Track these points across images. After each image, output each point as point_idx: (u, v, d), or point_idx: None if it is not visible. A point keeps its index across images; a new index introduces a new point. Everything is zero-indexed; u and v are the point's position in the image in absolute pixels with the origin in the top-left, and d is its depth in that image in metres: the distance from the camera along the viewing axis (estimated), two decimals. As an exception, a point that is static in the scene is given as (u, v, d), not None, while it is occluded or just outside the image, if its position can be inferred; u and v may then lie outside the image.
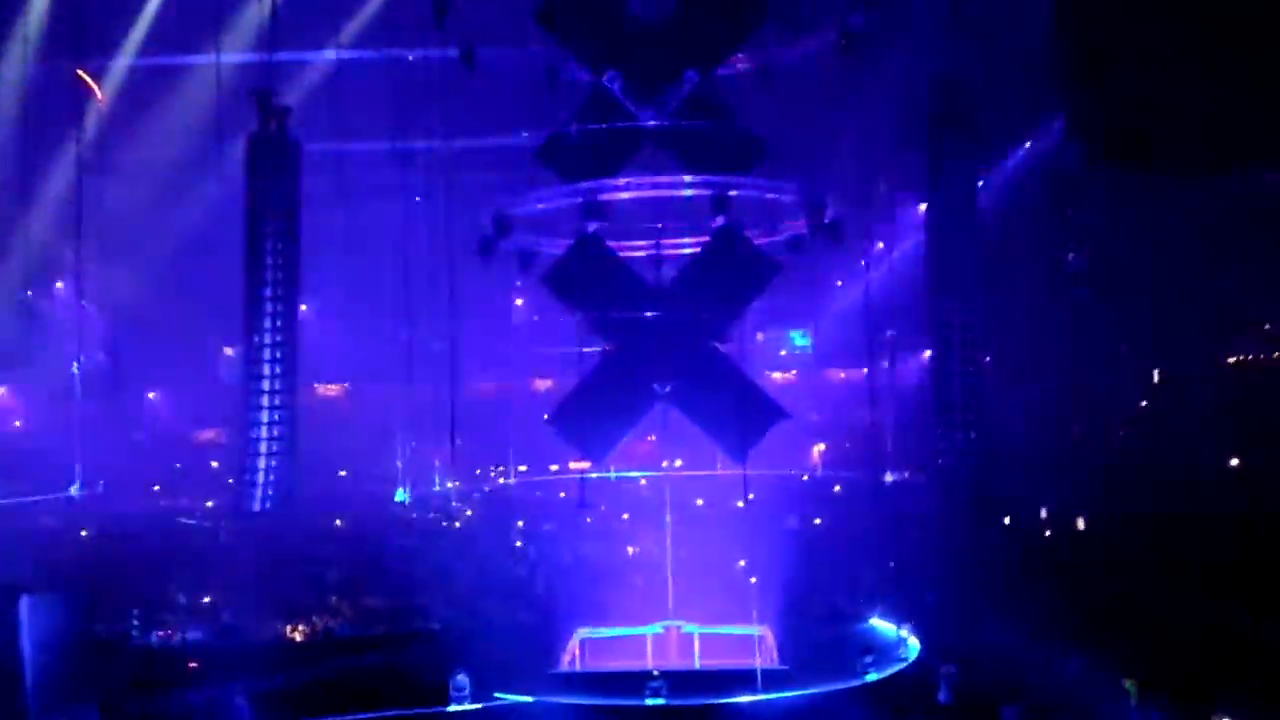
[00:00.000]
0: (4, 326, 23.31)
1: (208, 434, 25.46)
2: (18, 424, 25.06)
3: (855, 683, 16.48)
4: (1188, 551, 18.08)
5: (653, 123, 19.98)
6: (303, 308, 20.32)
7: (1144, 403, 20.65)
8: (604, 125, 20.03)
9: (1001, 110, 21.11)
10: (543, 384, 25.01)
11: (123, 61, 24.10)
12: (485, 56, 20.70)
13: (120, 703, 17.20)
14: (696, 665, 17.64)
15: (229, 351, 23.67)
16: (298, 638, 19.89)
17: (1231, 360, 20.65)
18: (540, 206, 20.22)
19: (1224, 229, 19.78)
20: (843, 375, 24.92)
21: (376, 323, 23.53)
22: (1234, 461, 19.97)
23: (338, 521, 24.03)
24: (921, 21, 20.97)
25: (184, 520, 22.82)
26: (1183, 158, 19.75)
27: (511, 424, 24.25)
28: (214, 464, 24.75)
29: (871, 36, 21.06)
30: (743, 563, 20.34)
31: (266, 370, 19.48)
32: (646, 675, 16.63)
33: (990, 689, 15.13)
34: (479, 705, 16.54)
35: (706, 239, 20.08)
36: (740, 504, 19.76)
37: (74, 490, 22.52)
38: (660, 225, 20.58)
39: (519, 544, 23.65)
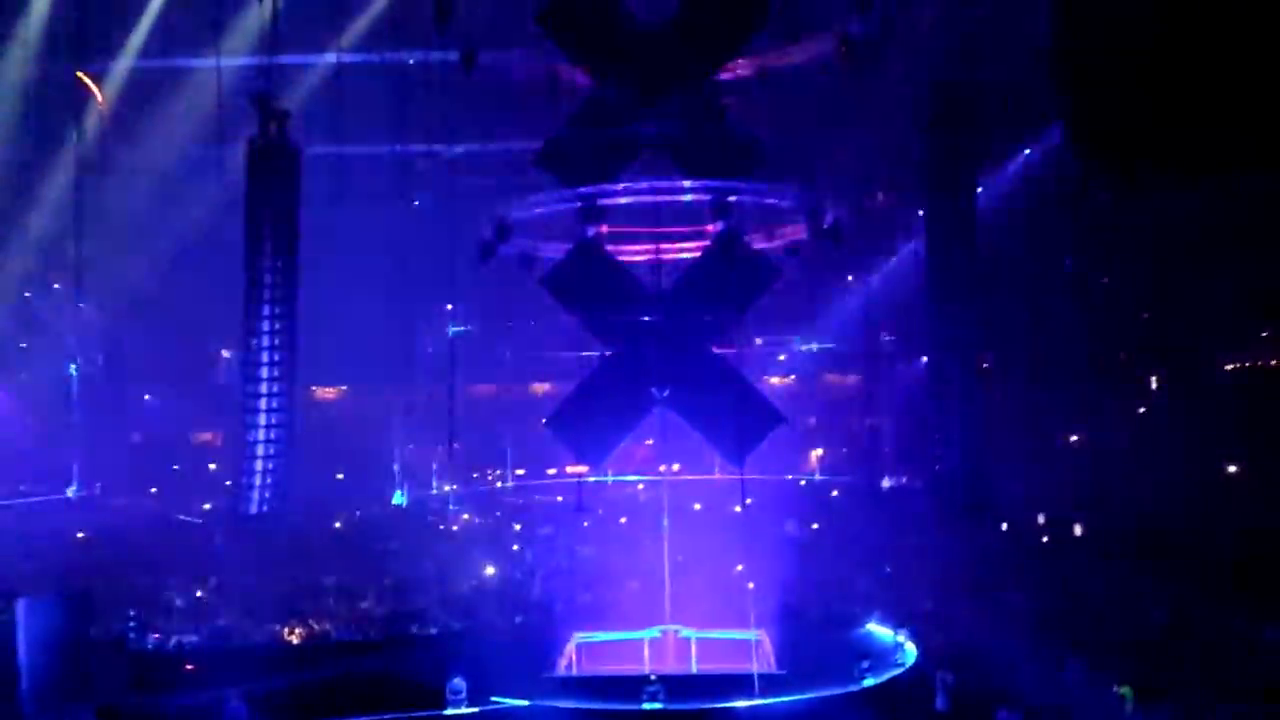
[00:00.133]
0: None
1: (205, 436, 25.43)
2: None
3: (852, 688, 16.42)
4: (1185, 557, 18.05)
5: (652, 128, 19.96)
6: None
7: (1142, 409, 20.64)
8: (604, 130, 20.02)
9: (1001, 115, 21.15)
10: (541, 387, 24.99)
11: (123, 64, 24.11)
12: (485, 61, 20.75)
13: (116, 705, 17.14)
14: (694, 670, 17.60)
15: (227, 354, 23.67)
16: (294, 641, 19.82)
17: (1230, 367, 20.65)
18: (540, 211, 20.22)
19: (1223, 234, 19.78)
20: (841, 380, 24.92)
21: (375, 326, 23.52)
22: (1232, 468, 19.97)
23: (336, 524, 24.01)
24: (921, 27, 21.01)
25: (183, 518, 22.74)
26: (1182, 162, 19.74)
27: (509, 427, 24.28)
28: (212, 466, 24.72)
29: (870, 42, 21.10)
30: (740, 567, 20.30)
31: (264, 373, 19.50)
32: (643, 680, 16.57)
33: (986, 695, 15.09)
34: (475, 709, 16.47)
35: (706, 244, 20.10)
36: (738, 509, 19.74)
37: (71, 491, 22.56)
38: (659, 230, 20.60)
39: (516, 548, 23.61)
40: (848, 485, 22.97)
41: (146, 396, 23.81)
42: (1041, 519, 21.02)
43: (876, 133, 21.45)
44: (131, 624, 19.65)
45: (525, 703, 16.48)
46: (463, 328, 24.01)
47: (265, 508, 19.35)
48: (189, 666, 18.39)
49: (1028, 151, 22.50)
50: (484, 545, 23.12)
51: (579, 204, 19.77)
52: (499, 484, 24.94)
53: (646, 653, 17.92)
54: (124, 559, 21.44)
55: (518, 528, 24.02)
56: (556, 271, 20.24)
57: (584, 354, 20.57)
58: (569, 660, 18.11)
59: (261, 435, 19.36)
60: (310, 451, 20.36)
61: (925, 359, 18.69)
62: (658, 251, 20.83)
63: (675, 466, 23.02)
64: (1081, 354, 21.36)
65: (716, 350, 20.22)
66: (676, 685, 16.57)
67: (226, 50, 22.57)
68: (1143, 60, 19.76)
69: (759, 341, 24.28)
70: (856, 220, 21.16)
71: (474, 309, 23.56)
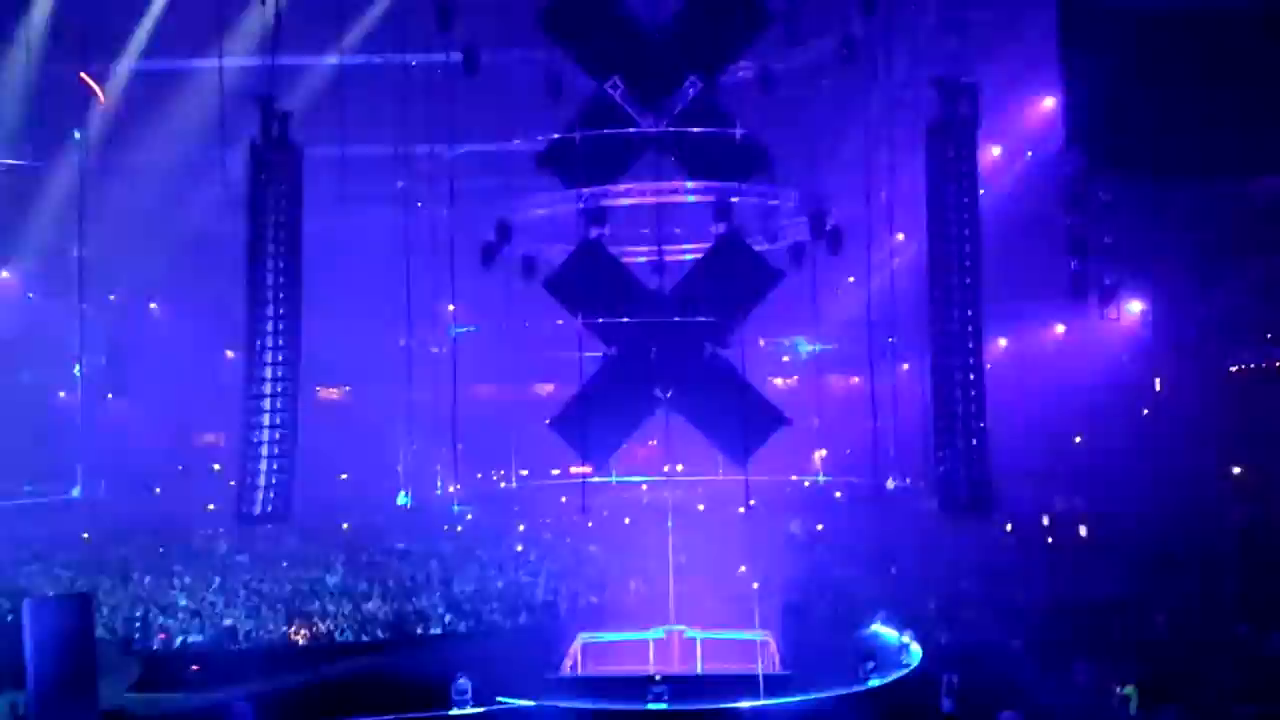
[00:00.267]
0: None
1: (209, 437, 25.44)
2: None
3: (857, 689, 16.46)
4: (1189, 558, 18.10)
5: (655, 129, 20.00)
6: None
7: (1146, 410, 20.68)
8: (607, 131, 20.04)
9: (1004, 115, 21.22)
10: (544, 388, 25.01)
11: (126, 65, 24.14)
12: (488, 62, 20.77)
13: (122, 706, 17.17)
14: (699, 670, 17.62)
15: (231, 354, 23.69)
16: (299, 642, 19.85)
17: (1234, 368, 20.70)
18: (542, 212, 20.24)
19: (1225, 236, 19.85)
20: (848, 381, 24.96)
21: (378, 326, 23.54)
22: (1236, 470, 20.01)
23: (341, 525, 24.03)
24: (922, 28, 21.07)
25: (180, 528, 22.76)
26: (1183, 163, 19.86)
27: (513, 428, 24.29)
28: (215, 466, 24.73)
29: (872, 44, 21.15)
30: (744, 568, 20.34)
31: (268, 373, 19.48)
32: (649, 680, 16.57)
33: (992, 695, 15.13)
34: (481, 709, 16.47)
35: (709, 245, 20.14)
36: (742, 509, 19.78)
37: (75, 492, 22.58)
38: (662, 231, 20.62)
39: (520, 548, 23.64)
40: (851, 486, 23.00)
41: (152, 396, 23.70)
42: (1046, 520, 21.05)
43: (878, 134, 21.48)
44: (137, 624, 19.68)
45: (531, 703, 16.48)
46: (466, 328, 24.04)
47: (269, 508, 19.36)
48: (194, 667, 18.41)
49: (1030, 153, 22.57)
50: (488, 546, 23.17)
51: (581, 205, 19.79)
52: (503, 484, 24.95)
53: (651, 653, 17.94)
54: (128, 559, 21.47)
55: (522, 528, 24.05)
56: (559, 273, 20.26)
57: (587, 354, 20.59)
58: (574, 660, 18.12)
59: (265, 436, 19.32)
60: (314, 452, 20.34)
61: (928, 359, 18.68)
62: (660, 253, 20.87)
63: (679, 467, 23.05)
64: (1084, 354, 21.42)
65: (719, 351, 20.24)
66: (682, 685, 16.57)
67: (228, 51, 22.61)
68: (1145, 62, 19.91)
69: (762, 342, 24.32)
70: (858, 221, 21.21)
71: (477, 309, 23.58)
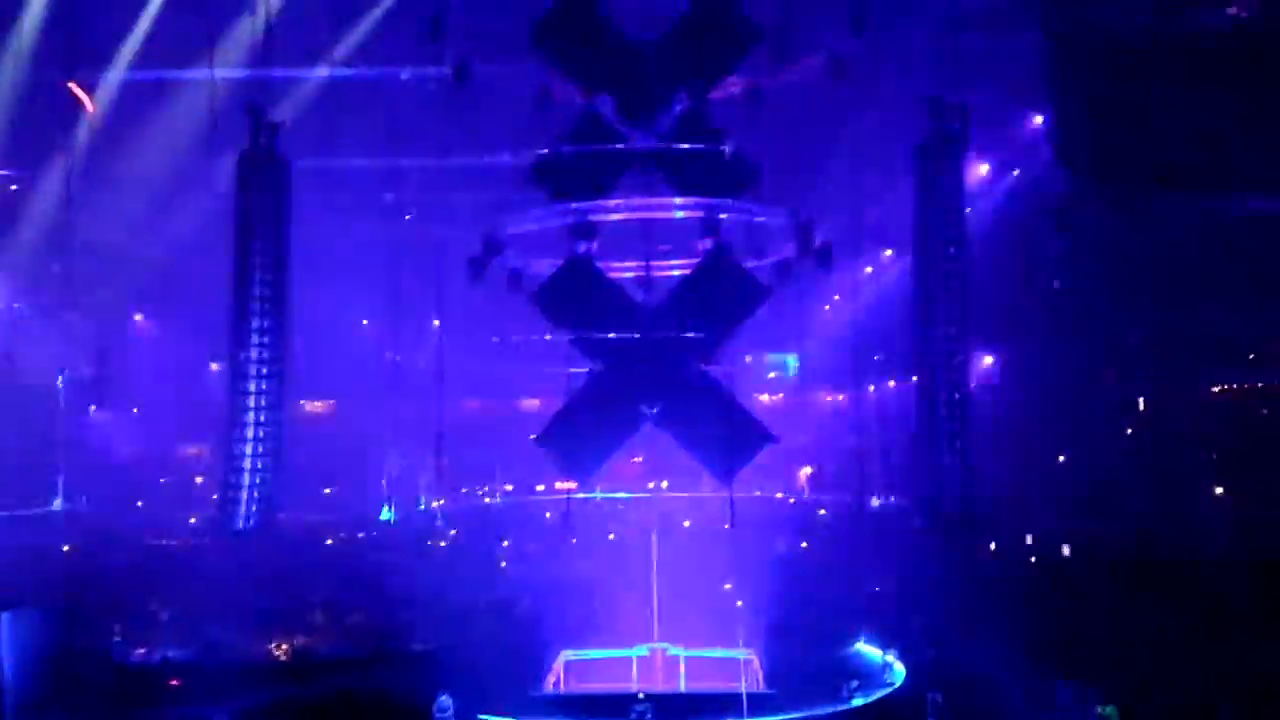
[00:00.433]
0: None
1: (193, 449, 25.33)
2: None
3: (841, 707, 16.46)
4: (1173, 578, 18.11)
5: (644, 145, 20.02)
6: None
7: (1129, 430, 20.74)
8: (595, 146, 20.06)
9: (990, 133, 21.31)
10: (531, 403, 24.97)
11: (115, 75, 24.08)
12: (478, 76, 20.79)
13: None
14: (682, 688, 17.59)
15: (215, 366, 23.61)
16: (281, 656, 19.74)
17: (1216, 389, 20.77)
18: (530, 227, 20.23)
19: (1209, 255, 19.94)
20: (830, 398, 24.97)
21: (365, 340, 23.52)
22: (1219, 490, 20.05)
23: (328, 540, 23.94)
24: (911, 47, 21.16)
25: (162, 541, 22.62)
26: (1167, 182, 19.99)
27: (498, 443, 24.24)
28: (198, 479, 24.62)
29: (861, 61, 21.24)
30: (729, 585, 20.30)
31: (252, 385, 19.46)
32: (632, 698, 16.56)
33: (975, 714, 15.13)
34: (463, 726, 16.46)
35: (696, 261, 20.14)
36: (726, 526, 19.75)
37: (56, 504, 22.45)
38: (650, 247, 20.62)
39: (504, 564, 23.57)
40: (836, 504, 22.99)
41: (134, 409, 23.60)
42: (1030, 539, 21.07)
43: (866, 151, 21.55)
44: (116, 638, 19.56)
45: (512, 720, 16.45)
46: (450, 343, 24.00)
47: (252, 522, 19.30)
48: (174, 681, 18.30)
49: (1016, 172, 22.67)
50: (471, 561, 23.07)
51: (570, 220, 19.79)
52: (487, 499, 24.90)
53: (635, 671, 17.90)
54: (109, 572, 21.33)
55: (506, 544, 23.97)
56: (546, 288, 20.24)
57: (573, 370, 20.56)
58: (556, 678, 18.07)
59: (249, 449, 19.31)
60: (298, 466, 20.28)
61: (914, 377, 18.72)
62: (648, 268, 20.86)
63: (664, 483, 23.03)
64: (1067, 372, 21.47)
65: (705, 368, 20.22)
66: (665, 704, 16.56)
67: (219, 62, 22.60)
68: (1132, 81, 20.05)
69: (748, 359, 24.32)
70: (845, 238, 21.25)
71: (463, 324, 23.53)
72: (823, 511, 23.09)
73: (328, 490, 24.57)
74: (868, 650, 18.41)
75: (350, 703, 17.47)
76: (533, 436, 20.70)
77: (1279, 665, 16.12)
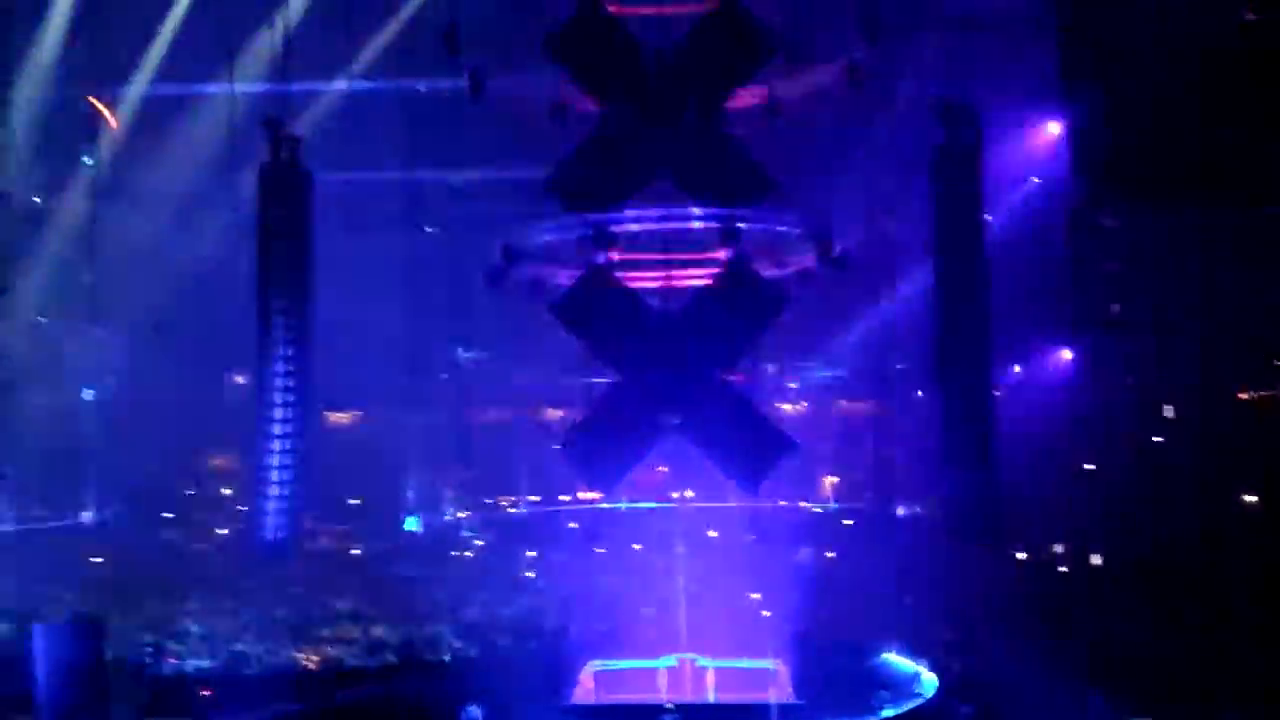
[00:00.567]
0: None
1: (219, 461, 25.53)
2: None
3: (870, 718, 16.52)
4: (1205, 589, 18.10)
5: (661, 154, 20.08)
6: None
7: (1157, 439, 20.70)
8: (612, 157, 20.13)
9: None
10: (554, 413, 25.08)
11: (137, 89, 24.26)
12: (494, 88, 20.88)
13: (132, 732, 17.28)
14: (710, 699, 17.67)
15: (240, 379, 23.79)
16: (309, 667, 19.92)
17: (1244, 396, 20.70)
18: (548, 238, 20.32)
19: (1236, 261, 19.90)
20: (854, 407, 24.99)
21: (388, 351, 23.66)
22: (1251, 498, 19.98)
23: (350, 550, 24.11)
24: (928, 55, 21.19)
25: (190, 552, 22.83)
26: (1187, 193, 19.98)
27: (522, 453, 24.36)
28: (225, 491, 24.81)
29: (878, 70, 21.27)
30: (756, 595, 20.37)
31: (278, 398, 19.62)
32: (660, 708, 16.65)
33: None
34: (491, 737, 16.59)
35: (716, 270, 20.20)
36: (751, 537, 19.83)
37: (86, 516, 22.66)
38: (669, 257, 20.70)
39: (530, 574, 23.70)
40: (861, 513, 23.03)
41: (163, 420, 23.78)
42: (1059, 548, 21.08)
43: (884, 160, 21.59)
44: (148, 650, 19.76)
45: (541, 731, 16.58)
46: (474, 354, 24.14)
47: (280, 533, 19.48)
48: (205, 692, 18.48)
49: (1035, 179, 22.67)
50: (497, 571, 23.22)
51: (588, 231, 19.87)
52: (511, 510, 25.02)
53: (662, 681, 17.99)
54: (139, 584, 21.55)
55: (531, 554, 24.10)
56: (566, 298, 20.33)
57: (596, 380, 20.66)
58: (584, 688, 18.17)
59: (275, 461, 19.45)
60: (324, 477, 20.44)
61: (938, 385, 18.75)
62: (668, 278, 20.94)
63: (689, 493, 23.10)
64: (1093, 381, 21.46)
65: (727, 377, 20.28)
66: (693, 714, 16.64)
67: (239, 77, 22.76)
68: (1150, 89, 20.03)
69: (770, 369, 24.39)
70: (865, 246, 21.30)
71: (487, 334, 23.68)
72: (848, 521, 23.13)
73: (353, 500, 24.74)
74: (897, 661, 18.45)
75: (379, 712, 17.62)
76: (556, 446, 20.80)
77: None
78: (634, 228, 20.12)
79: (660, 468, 22.55)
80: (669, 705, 16.66)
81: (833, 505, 23.73)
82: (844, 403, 24.92)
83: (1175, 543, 18.77)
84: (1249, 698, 15.76)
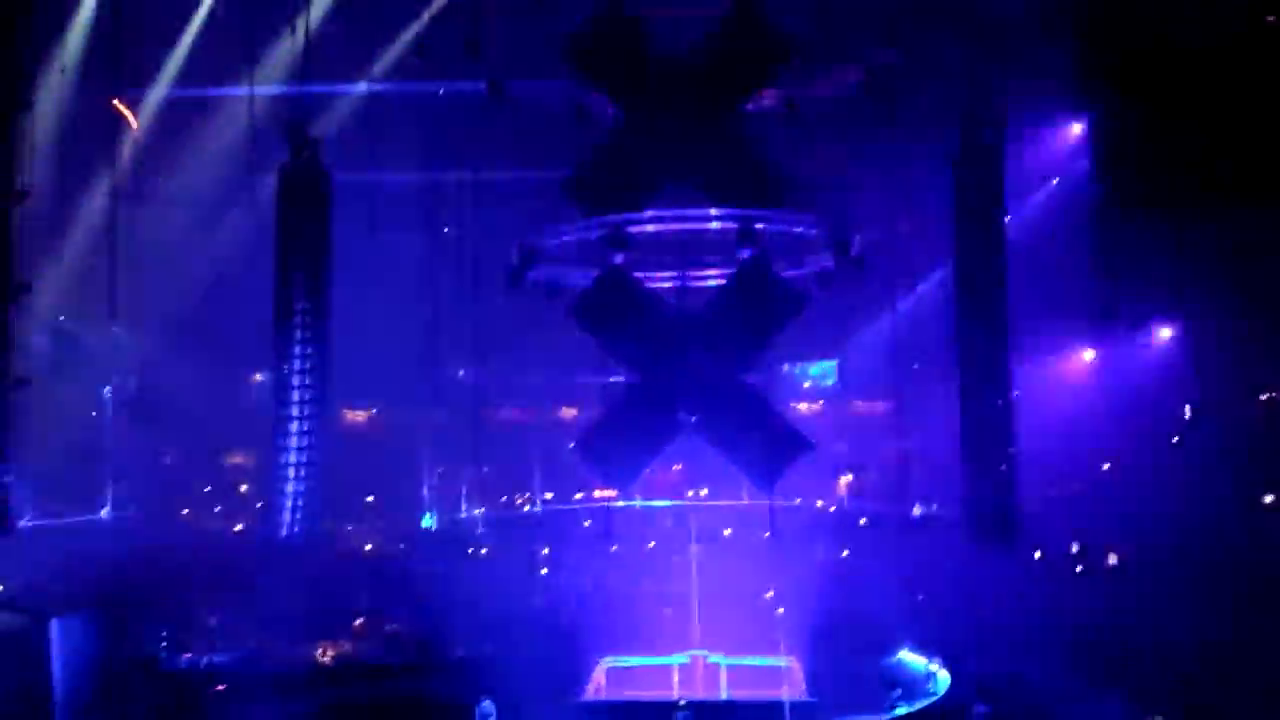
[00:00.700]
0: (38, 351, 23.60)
1: (237, 457, 25.66)
2: None
3: (884, 716, 16.44)
4: (1221, 588, 17.96)
5: (679, 157, 20.15)
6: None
7: (1176, 438, 20.60)
8: (630, 159, 20.22)
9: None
10: (569, 412, 25.14)
11: (158, 92, 24.49)
12: (514, 90, 21.01)
13: (148, 725, 17.34)
14: (723, 696, 17.63)
15: (259, 377, 23.93)
16: (325, 662, 19.97)
17: (1264, 396, 20.59)
18: (566, 239, 20.41)
19: (1256, 262, 19.81)
20: (870, 407, 24.93)
21: (405, 350, 23.77)
22: (1268, 499, 19.85)
23: (367, 546, 24.16)
24: (948, 57, 21.22)
25: (207, 549, 22.89)
26: (1206, 194, 19.93)
27: (537, 451, 24.41)
28: (243, 487, 24.94)
29: (897, 72, 21.32)
30: (770, 593, 20.33)
31: (296, 396, 19.81)
32: (673, 705, 16.62)
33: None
34: (504, 733, 16.58)
35: (733, 271, 20.24)
36: (766, 535, 19.80)
37: (105, 512, 22.79)
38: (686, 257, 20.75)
39: (544, 571, 23.70)
40: (877, 512, 22.97)
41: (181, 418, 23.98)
42: (1075, 547, 20.96)
43: (904, 162, 21.60)
44: (164, 644, 19.83)
45: (555, 727, 16.56)
46: (487, 352, 24.23)
47: (296, 530, 19.59)
48: (220, 687, 18.54)
49: (1055, 180, 22.65)
50: (512, 569, 23.21)
51: (606, 232, 19.95)
52: (526, 507, 25.05)
53: (675, 678, 17.97)
54: (156, 579, 21.62)
55: (546, 551, 24.10)
56: (583, 299, 20.41)
57: (612, 379, 20.70)
58: (598, 685, 18.16)
59: (293, 458, 19.67)
60: (340, 474, 20.55)
61: (957, 385, 18.72)
62: (684, 278, 20.99)
63: (704, 491, 23.11)
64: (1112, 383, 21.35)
65: (743, 377, 20.28)
66: (706, 711, 16.60)
67: (260, 79, 22.98)
68: (1169, 89, 19.98)
69: (786, 368, 24.38)
70: (883, 248, 21.29)
71: (503, 333, 23.76)
72: (863, 521, 23.07)
73: (369, 498, 24.83)
74: (911, 659, 18.37)
75: (394, 708, 17.64)
76: (571, 444, 20.84)
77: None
78: (651, 229, 20.20)
79: (675, 466, 22.56)
80: (682, 702, 16.63)
81: (848, 504, 23.67)
82: (860, 402, 24.90)
83: (1195, 542, 18.64)
84: (1268, 697, 15.60)
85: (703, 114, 20.21)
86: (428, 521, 23.86)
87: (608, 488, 21.53)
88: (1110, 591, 19.65)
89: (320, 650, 20.21)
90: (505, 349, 23.78)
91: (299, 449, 19.76)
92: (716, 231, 20.38)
